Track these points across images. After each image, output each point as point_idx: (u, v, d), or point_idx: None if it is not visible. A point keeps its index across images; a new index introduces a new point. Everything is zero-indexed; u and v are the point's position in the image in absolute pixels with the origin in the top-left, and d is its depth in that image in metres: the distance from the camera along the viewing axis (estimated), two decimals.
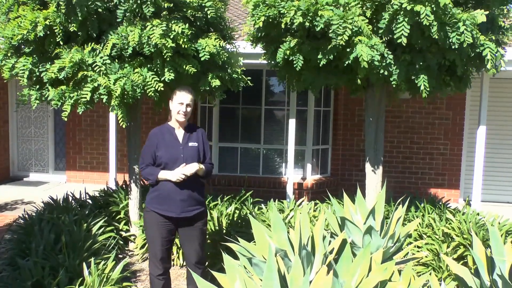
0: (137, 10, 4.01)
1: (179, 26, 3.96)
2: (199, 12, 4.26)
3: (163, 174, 3.22)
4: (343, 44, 3.77)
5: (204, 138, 3.44)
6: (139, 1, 3.93)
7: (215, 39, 4.28)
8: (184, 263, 4.33)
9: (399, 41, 3.73)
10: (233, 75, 4.59)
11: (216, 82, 4.30)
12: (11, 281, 3.48)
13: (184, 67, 4.14)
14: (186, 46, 4.04)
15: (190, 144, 3.32)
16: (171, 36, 3.95)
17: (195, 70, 4.20)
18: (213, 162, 3.53)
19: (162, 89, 4.11)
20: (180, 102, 3.26)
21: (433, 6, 3.59)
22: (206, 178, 3.44)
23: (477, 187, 6.23)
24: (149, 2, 3.93)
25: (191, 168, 3.22)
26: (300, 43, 4.07)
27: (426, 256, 4.39)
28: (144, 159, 3.34)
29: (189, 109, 3.30)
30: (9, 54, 4.26)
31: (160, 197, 3.25)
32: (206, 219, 3.48)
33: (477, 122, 6.29)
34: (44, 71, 4.18)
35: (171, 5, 4.07)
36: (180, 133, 3.36)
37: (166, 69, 4.11)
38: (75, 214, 4.73)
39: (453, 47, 3.83)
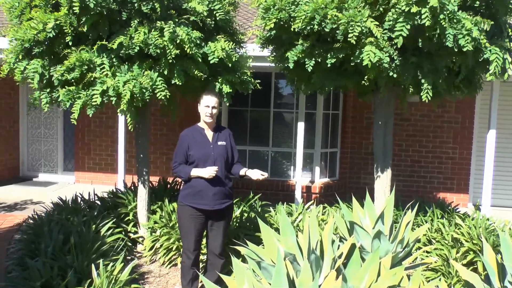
0: (141, 11, 4.01)
1: (184, 31, 3.95)
2: (208, 18, 4.26)
3: (196, 172, 3.52)
4: (354, 43, 3.74)
5: (231, 138, 3.79)
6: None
7: (225, 41, 4.27)
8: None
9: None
10: (243, 77, 4.58)
11: (227, 89, 4.32)
12: (21, 281, 3.50)
13: (194, 71, 4.15)
14: (191, 52, 4.04)
15: (219, 143, 3.66)
16: (177, 41, 3.95)
17: (204, 75, 4.22)
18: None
19: (169, 95, 4.12)
20: (207, 105, 3.58)
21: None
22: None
23: (487, 192, 6.17)
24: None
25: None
26: (311, 46, 4.06)
27: (435, 262, 4.36)
28: (176, 158, 3.64)
29: (215, 110, 3.61)
30: (20, 57, 4.30)
31: (194, 192, 3.55)
32: (232, 213, 3.87)
33: (487, 125, 6.23)
34: (53, 71, 4.20)
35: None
36: (209, 133, 3.68)
37: (175, 72, 4.12)
38: (84, 215, 4.76)
39: (463, 49, 3.79)
